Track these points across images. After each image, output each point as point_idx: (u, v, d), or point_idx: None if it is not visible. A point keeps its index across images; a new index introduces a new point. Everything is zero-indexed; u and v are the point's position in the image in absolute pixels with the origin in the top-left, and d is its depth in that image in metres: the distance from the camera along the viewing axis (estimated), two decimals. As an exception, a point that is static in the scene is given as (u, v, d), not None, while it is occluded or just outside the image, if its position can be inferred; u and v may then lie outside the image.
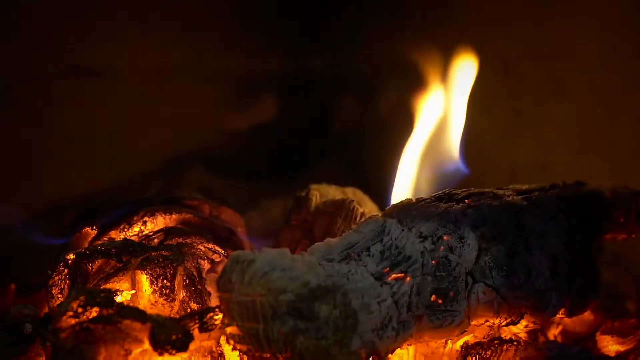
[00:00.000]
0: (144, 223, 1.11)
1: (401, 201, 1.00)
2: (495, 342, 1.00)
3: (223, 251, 1.09)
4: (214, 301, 1.02)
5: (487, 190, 1.02)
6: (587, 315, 1.12)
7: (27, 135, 1.49)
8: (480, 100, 1.58)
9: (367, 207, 1.20)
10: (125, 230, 1.11)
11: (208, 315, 0.90)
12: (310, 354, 0.82)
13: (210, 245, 1.09)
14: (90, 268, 1.02)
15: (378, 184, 1.26)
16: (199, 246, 1.08)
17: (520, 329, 1.02)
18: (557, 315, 0.99)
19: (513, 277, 0.95)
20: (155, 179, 1.61)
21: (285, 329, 0.81)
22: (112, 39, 1.54)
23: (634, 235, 1.09)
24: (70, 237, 1.12)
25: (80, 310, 0.87)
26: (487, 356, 0.98)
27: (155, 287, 1.00)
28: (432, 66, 1.28)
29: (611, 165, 1.45)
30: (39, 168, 1.51)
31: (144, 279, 1.00)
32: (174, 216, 1.13)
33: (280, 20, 1.76)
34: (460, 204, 0.98)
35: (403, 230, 0.94)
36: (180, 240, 1.08)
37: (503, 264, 0.95)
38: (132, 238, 1.09)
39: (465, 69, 1.24)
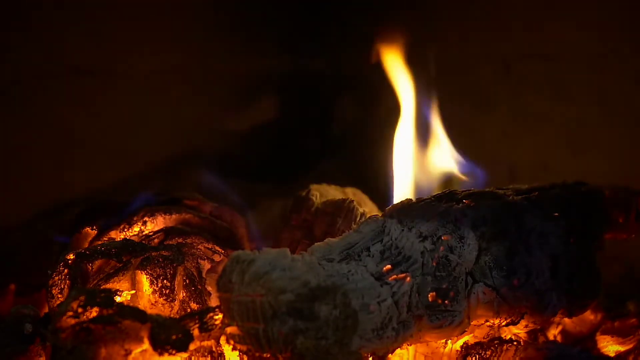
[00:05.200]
0: (144, 223, 1.11)
1: (401, 201, 1.00)
2: (495, 342, 1.00)
3: (223, 251, 1.09)
4: (214, 301, 1.02)
5: (487, 190, 1.02)
6: (587, 315, 1.12)
7: (27, 135, 1.48)
8: (480, 100, 1.58)
9: (367, 207, 1.20)
10: (125, 230, 1.11)
11: (208, 315, 0.90)
12: (310, 354, 0.82)
13: (210, 245, 1.09)
14: (90, 268, 1.02)
15: (378, 184, 1.26)
16: (199, 246, 1.08)
17: (520, 329, 1.02)
18: (557, 315, 0.99)
19: (513, 277, 0.95)
20: (155, 179, 1.61)
21: (285, 329, 0.81)
22: (112, 39, 1.54)
23: (634, 235, 1.09)
24: (70, 237, 1.13)
25: (80, 310, 0.87)
26: (487, 356, 0.98)
27: (155, 287, 1.00)
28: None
29: (611, 165, 1.45)
30: (39, 168, 1.50)
31: (144, 279, 1.00)
32: (174, 216, 1.13)
33: (280, 20, 1.76)
34: (460, 204, 0.98)
35: (403, 230, 0.94)
36: (180, 240, 1.08)
37: (503, 264, 0.95)
38: (132, 238, 1.09)
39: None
